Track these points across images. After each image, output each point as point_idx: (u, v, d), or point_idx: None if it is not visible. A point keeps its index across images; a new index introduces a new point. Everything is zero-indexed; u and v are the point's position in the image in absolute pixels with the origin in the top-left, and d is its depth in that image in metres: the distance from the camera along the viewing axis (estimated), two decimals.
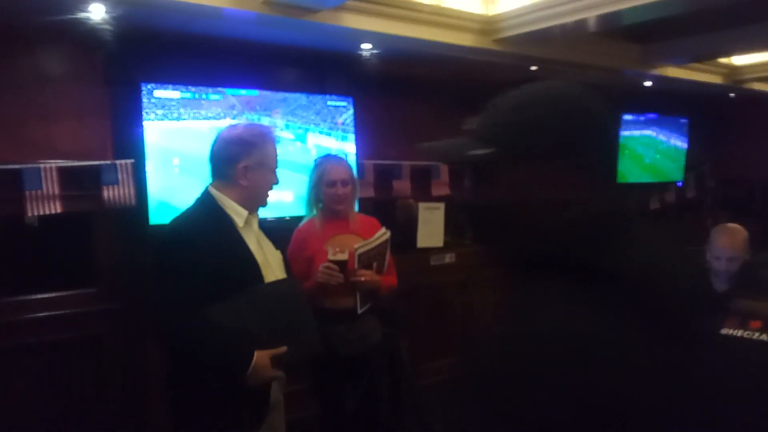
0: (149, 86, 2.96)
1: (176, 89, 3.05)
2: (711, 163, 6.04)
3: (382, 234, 2.57)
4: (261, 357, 1.73)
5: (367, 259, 2.49)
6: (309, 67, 3.51)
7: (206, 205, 1.87)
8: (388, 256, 2.59)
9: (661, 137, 5.52)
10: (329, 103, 3.49)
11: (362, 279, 2.44)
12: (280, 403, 1.97)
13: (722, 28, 3.60)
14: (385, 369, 2.62)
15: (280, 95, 3.37)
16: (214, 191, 1.88)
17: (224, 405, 1.73)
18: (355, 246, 2.45)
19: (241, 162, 1.86)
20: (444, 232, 4.15)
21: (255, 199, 1.92)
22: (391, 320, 2.59)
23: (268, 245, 2.00)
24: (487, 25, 3.17)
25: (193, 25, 2.76)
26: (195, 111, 3.09)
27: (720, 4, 2.67)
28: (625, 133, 5.21)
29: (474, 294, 4.40)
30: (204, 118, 3.12)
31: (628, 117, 5.20)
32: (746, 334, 1.47)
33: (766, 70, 4.54)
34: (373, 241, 2.51)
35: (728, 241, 2.56)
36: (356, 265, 2.43)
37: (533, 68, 3.83)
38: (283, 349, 1.78)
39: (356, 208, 2.75)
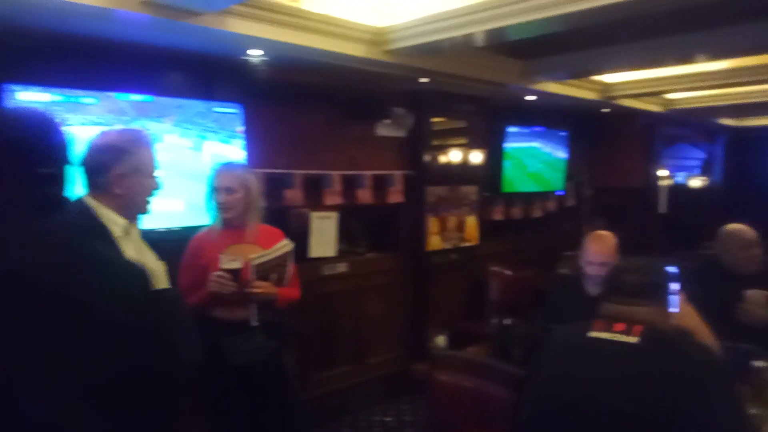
0: (12, 87, 2.71)
1: (46, 91, 2.83)
2: (588, 173, 6.48)
3: (283, 245, 2.55)
4: None
5: (264, 271, 2.47)
6: (198, 72, 3.38)
7: (81, 215, 1.74)
8: (290, 269, 2.57)
9: (546, 149, 5.84)
10: (216, 109, 3.37)
11: (257, 291, 2.41)
12: None
13: (596, 48, 3.86)
14: (274, 382, 2.59)
15: (177, 101, 3.22)
16: (89, 200, 1.76)
17: None
18: (251, 256, 2.41)
19: (114, 170, 1.76)
20: (338, 241, 4.14)
21: (133, 207, 1.82)
22: (279, 333, 2.55)
23: (149, 255, 1.90)
24: (377, 36, 3.20)
25: (66, 25, 2.56)
26: (72, 115, 2.87)
27: (595, 24, 2.85)
28: (513, 144, 5.46)
29: (367, 303, 4.43)
30: (84, 124, 2.91)
31: (514, 129, 5.45)
32: (610, 336, 1.57)
33: (633, 88, 4.93)
34: (271, 253, 2.49)
35: (599, 247, 2.74)
36: (252, 276, 2.38)
37: (423, 80, 3.92)
38: None
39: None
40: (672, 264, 2.19)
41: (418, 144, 4.60)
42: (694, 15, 3.10)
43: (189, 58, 3.18)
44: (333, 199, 4.08)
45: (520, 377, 1.90)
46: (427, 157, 4.63)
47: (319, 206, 4.05)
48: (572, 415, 1.55)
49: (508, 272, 4.90)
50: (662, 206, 6.98)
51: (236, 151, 3.42)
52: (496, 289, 4.82)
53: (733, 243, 3.06)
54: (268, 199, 3.72)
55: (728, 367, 1.58)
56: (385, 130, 4.45)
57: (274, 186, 3.75)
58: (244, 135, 3.47)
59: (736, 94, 5.42)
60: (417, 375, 3.74)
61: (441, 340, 3.09)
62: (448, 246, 4.86)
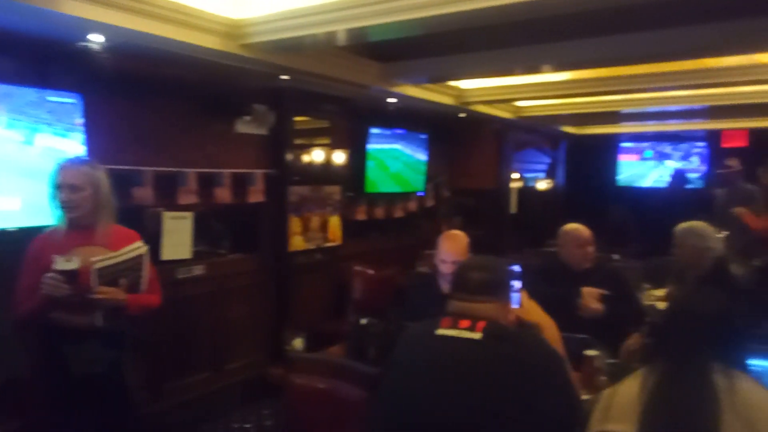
0: None
1: None
2: (446, 175, 6.75)
3: (135, 248, 2.38)
4: None
5: (111, 275, 2.29)
6: (30, 57, 3.04)
7: None
8: (147, 273, 2.42)
9: (407, 151, 5.99)
10: (50, 98, 3.04)
11: (100, 296, 2.22)
12: None
13: (452, 55, 4.02)
14: (114, 395, 2.41)
15: (4, 88, 2.86)
16: None
17: None
18: (92, 259, 2.22)
19: None
20: (194, 242, 3.94)
21: None
22: (119, 342, 2.38)
23: None
24: (233, 29, 3.08)
25: None
26: None
27: (451, 30, 2.96)
28: (375, 145, 5.53)
29: (226, 306, 4.27)
30: None
31: (376, 131, 5.53)
32: (457, 333, 1.61)
33: (486, 95, 5.21)
34: (118, 255, 2.31)
35: (451, 245, 2.83)
36: (94, 280, 2.21)
37: (284, 77, 3.85)
38: None
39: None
40: (518, 262, 2.32)
41: (280, 142, 4.51)
42: (541, 28, 3.33)
43: (19, 40, 2.86)
44: (188, 198, 3.87)
45: (374, 376, 1.91)
46: (289, 156, 4.55)
47: (174, 206, 3.82)
48: (420, 412, 1.58)
49: (370, 271, 4.96)
50: (513, 207, 7.46)
51: (74, 146, 3.12)
52: (359, 289, 4.86)
53: (570, 241, 3.31)
54: (113, 198, 3.47)
55: (562, 359, 1.69)
56: (245, 127, 4.31)
57: (121, 184, 3.47)
58: (83, 128, 3.17)
59: (576, 104, 5.93)
60: (273, 379, 3.66)
61: (298, 343, 3.04)
62: (311, 246, 4.82)
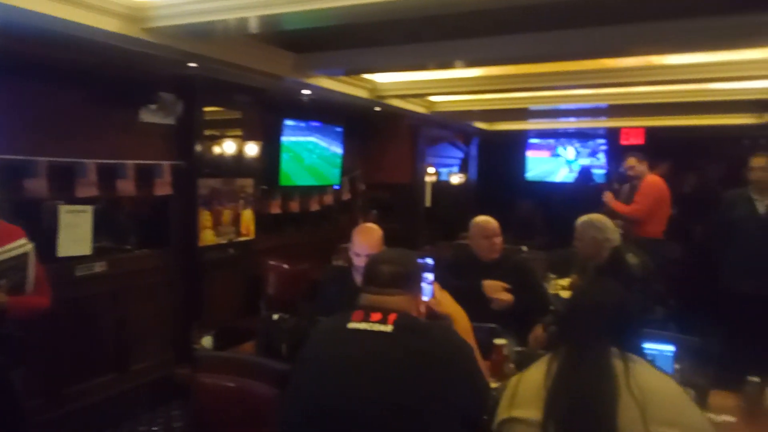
0: None
1: None
2: (362, 168, 6.76)
3: (17, 246, 2.20)
4: None
5: None
6: None
7: None
8: (33, 273, 2.24)
9: (323, 144, 5.94)
10: None
11: None
12: None
13: (367, 47, 4.01)
14: (2, 401, 2.22)
15: None
16: None
17: None
18: None
19: None
20: (95, 237, 3.72)
21: None
22: (4, 347, 2.19)
23: None
24: (135, 12, 2.91)
25: None
26: None
27: (365, 22, 2.94)
28: (290, 138, 5.44)
29: (131, 305, 4.07)
30: None
31: (291, 123, 5.44)
32: (368, 326, 1.60)
33: (400, 89, 5.26)
34: None
35: (365, 239, 2.83)
36: None
37: (192, 65, 3.69)
38: None
39: None
40: (431, 254, 2.34)
41: (188, 133, 4.33)
42: (454, 25, 3.38)
43: None
44: (87, 190, 3.63)
45: (285, 373, 1.86)
46: (198, 148, 4.38)
47: (72, 199, 3.58)
48: (331, 407, 1.55)
49: (285, 266, 4.89)
50: (427, 201, 7.58)
51: None
52: (274, 284, 4.78)
53: (478, 232, 3.40)
54: (3, 190, 3.21)
55: (471, 349, 1.72)
56: (150, 116, 4.10)
57: (10, 175, 3.23)
58: None
59: (486, 100, 6.09)
60: (180, 379, 3.52)
61: (207, 341, 2.94)
62: (222, 241, 4.67)
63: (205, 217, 4.48)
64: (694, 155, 7.83)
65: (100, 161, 3.70)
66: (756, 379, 2.25)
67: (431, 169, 7.83)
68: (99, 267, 3.79)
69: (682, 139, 7.57)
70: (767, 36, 3.18)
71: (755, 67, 4.05)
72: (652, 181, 5.34)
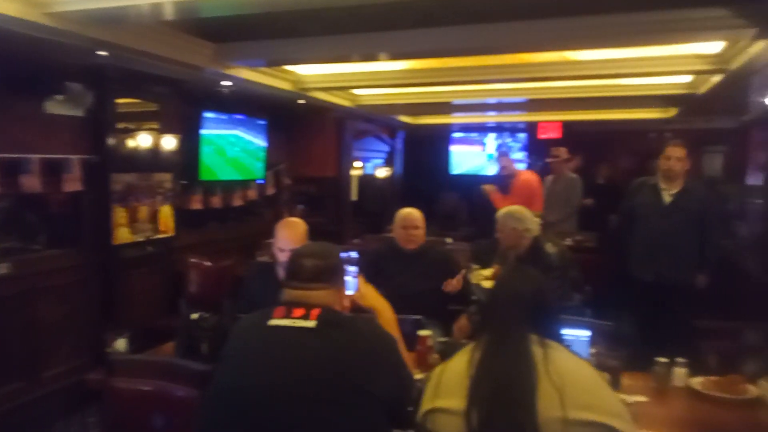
0: None
1: None
2: (287, 162, 6.65)
3: None
4: None
5: None
6: None
7: None
8: None
9: (247, 137, 5.79)
10: None
11: None
12: None
13: (289, 38, 3.92)
14: None
15: None
16: None
17: None
18: None
19: None
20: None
21: None
22: None
23: None
24: None
25: None
26: None
27: (286, 11, 2.87)
28: (212, 131, 5.27)
29: (40, 308, 3.82)
30: None
31: (211, 115, 5.27)
32: (290, 322, 1.57)
33: (323, 81, 5.20)
34: None
35: (289, 233, 2.78)
36: None
37: (102, 53, 3.49)
38: None
39: None
40: (356, 247, 2.33)
41: (100, 126, 4.11)
42: (377, 16, 3.36)
43: None
44: None
45: (204, 373, 1.80)
46: (111, 141, 4.17)
47: None
48: (252, 406, 1.51)
49: (207, 263, 4.73)
50: (353, 194, 7.57)
51: None
52: (195, 282, 4.61)
53: (398, 223, 3.46)
54: None
55: (394, 342, 1.71)
56: (57, 108, 3.86)
57: None
58: None
59: (410, 94, 6.13)
60: (92, 385, 3.35)
61: (121, 344, 2.81)
62: (140, 238, 4.47)
63: (120, 214, 4.27)
64: (607, 148, 8.22)
65: (0, 155, 3.45)
66: (664, 359, 2.38)
67: (357, 163, 7.82)
68: (4, 269, 3.54)
69: (597, 132, 7.92)
70: (674, 33, 3.35)
71: (662, 63, 4.27)
72: (525, 179, 5.81)
